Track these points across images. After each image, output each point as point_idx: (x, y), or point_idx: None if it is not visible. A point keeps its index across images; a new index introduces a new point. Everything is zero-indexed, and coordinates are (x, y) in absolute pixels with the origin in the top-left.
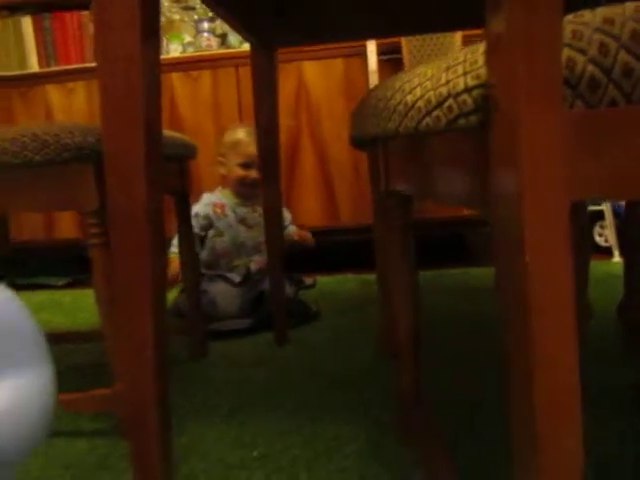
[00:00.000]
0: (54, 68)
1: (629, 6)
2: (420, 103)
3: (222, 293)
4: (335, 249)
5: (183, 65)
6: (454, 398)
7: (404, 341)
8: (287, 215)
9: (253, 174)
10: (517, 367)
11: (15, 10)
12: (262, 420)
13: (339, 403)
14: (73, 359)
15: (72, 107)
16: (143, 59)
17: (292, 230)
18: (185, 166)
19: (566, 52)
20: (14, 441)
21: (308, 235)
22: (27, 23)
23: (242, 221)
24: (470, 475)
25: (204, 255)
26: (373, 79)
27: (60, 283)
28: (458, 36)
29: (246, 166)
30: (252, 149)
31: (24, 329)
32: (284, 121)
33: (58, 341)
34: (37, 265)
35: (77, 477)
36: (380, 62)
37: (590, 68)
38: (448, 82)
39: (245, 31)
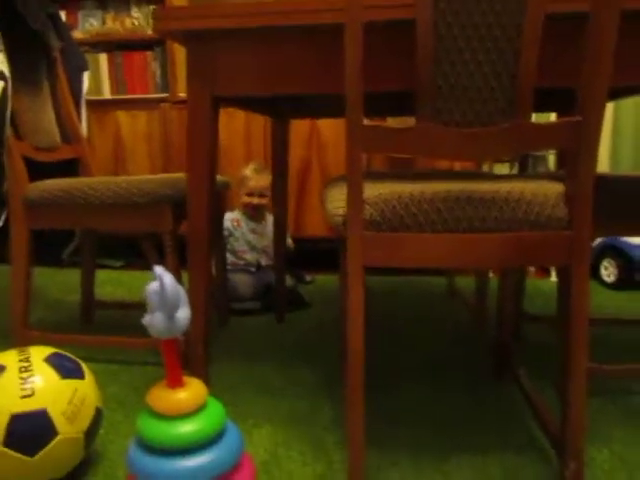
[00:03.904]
0: (123, 96)
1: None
2: None
3: (241, 280)
4: (333, 253)
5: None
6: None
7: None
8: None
9: (255, 201)
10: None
11: (94, 46)
12: (255, 364)
13: (308, 362)
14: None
15: (136, 130)
16: (211, 140)
17: (288, 242)
18: (222, 198)
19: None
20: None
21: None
22: (103, 58)
23: (252, 230)
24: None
25: (227, 254)
26: None
27: (117, 265)
28: None
29: (250, 195)
30: (255, 182)
31: (183, 292)
32: (299, 152)
33: (124, 308)
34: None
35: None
36: None
37: (375, 215)
38: None
39: (267, 114)
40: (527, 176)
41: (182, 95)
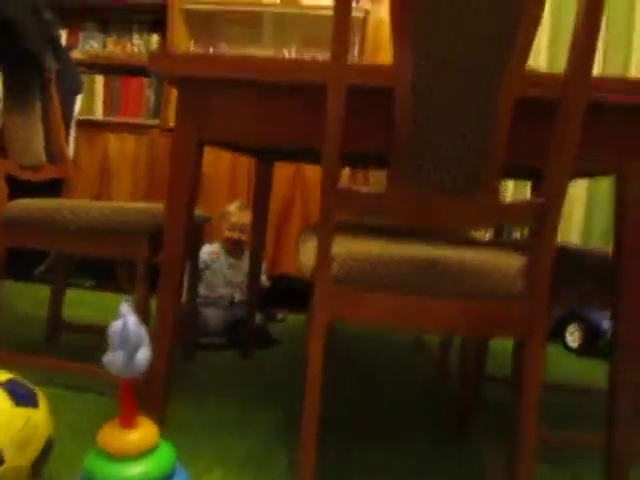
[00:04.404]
0: (114, 119)
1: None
2: None
3: (212, 314)
4: (308, 293)
5: None
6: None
7: None
8: (263, 264)
9: (236, 235)
10: None
11: (91, 67)
12: (216, 403)
13: (271, 401)
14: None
15: (124, 153)
16: (191, 178)
17: (263, 279)
18: (200, 232)
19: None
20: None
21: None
22: (99, 79)
23: (230, 265)
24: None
25: (202, 287)
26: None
27: (87, 284)
28: None
29: (231, 230)
30: (237, 219)
31: (145, 333)
32: (282, 192)
33: (90, 331)
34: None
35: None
36: None
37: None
38: None
39: (252, 156)
40: (494, 243)
41: (172, 124)
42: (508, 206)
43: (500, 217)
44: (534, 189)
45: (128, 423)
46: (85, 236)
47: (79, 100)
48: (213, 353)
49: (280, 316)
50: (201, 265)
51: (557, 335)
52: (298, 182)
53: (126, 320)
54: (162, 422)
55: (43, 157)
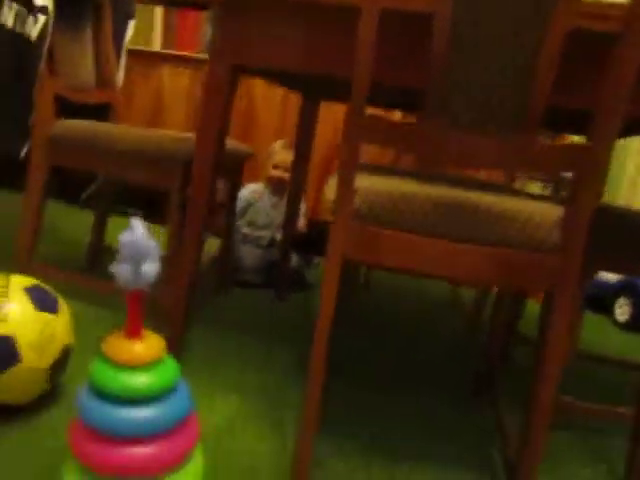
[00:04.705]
0: (171, 51)
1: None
2: None
3: (251, 252)
4: None
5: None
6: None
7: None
8: (302, 206)
9: (279, 173)
10: None
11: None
12: (241, 336)
13: (296, 342)
14: None
15: (178, 87)
16: (224, 106)
17: (300, 222)
18: (241, 164)
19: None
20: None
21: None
22: (158, 11)
23: (273, 205)
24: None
25: (243, 223)
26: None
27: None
28: None
29: (275, 168)
30: (280, 157)
31: (154, 246)
32: (329, 138)
33: None
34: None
35: None
36: None
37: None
38: None
39: (296, 89)
40: (539, 196)
41: None
42: (547, 148)
43: (537, 160)
44: None
45: (133, 334)
46: (122, 161)
47: (131, 26)
48: (248, 291)
49: (316, 261)
50: (244, 203)
51: (607, 308)
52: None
53: (134, 233)
54: (182, 345)
55: (92, 80)
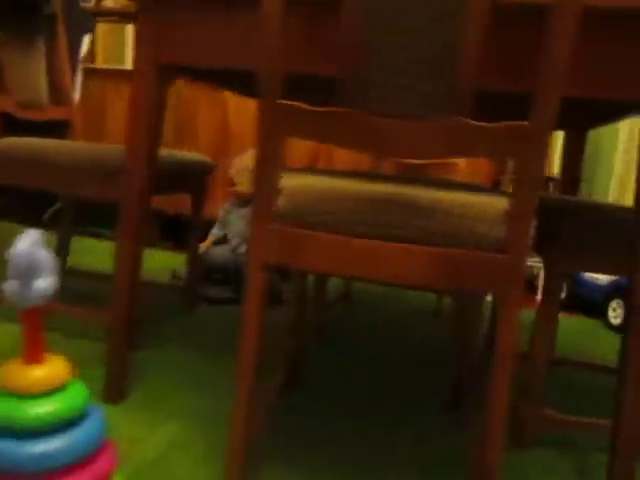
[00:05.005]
0: None
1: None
2: None
3: (219, 251)
4: None
5: None
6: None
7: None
8: None
9: (234, 189)
10: None
11: (123, 17)
12: (204, 357)
13: None
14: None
15: None
16: (152, 112)
17: None
18: (203, 178)
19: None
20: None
21: None
22: (129, 29)
23: (242, 217)
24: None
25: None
26: None
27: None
28: None
29: (232, 183)
30: (237, 171)
31: (48, 259)
32: (308, 145)
33: (92, 278)
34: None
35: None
36: None
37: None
38: None
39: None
40: (481, 189)
41: None
42: (481, 129)
43: (471, 143)
44: None
45: (31, 358)
46: (65, 175)
47: (86, 41)
48: (216, 308)
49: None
50: (222, 212)
51: (600, 311)
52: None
53: (24, 245)
54: (126, 366)
55: (44, 96)
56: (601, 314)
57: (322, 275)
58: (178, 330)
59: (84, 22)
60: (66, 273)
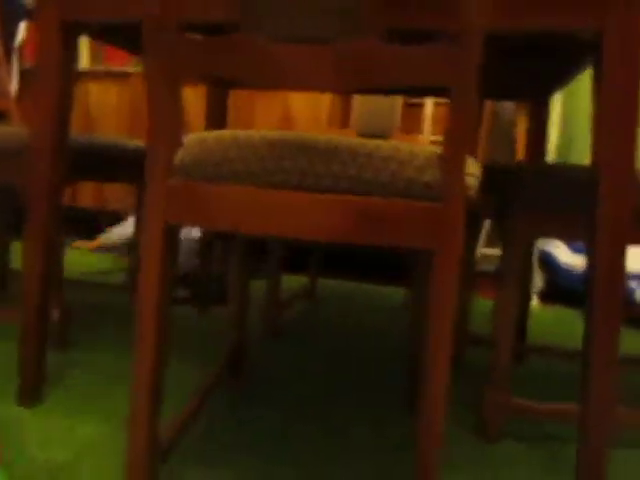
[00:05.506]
0: (98, 68)
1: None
2: None
3: (186, 245)
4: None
5: None
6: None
7: None
8: None
9: None
10: None
11: None
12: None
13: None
14: None
15: (105, 104)
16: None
17: None
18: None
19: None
20: None
21: None
22: None
23: None
24: None
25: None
26: None
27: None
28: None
29: None
30: None
31: None
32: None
33: None
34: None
35: None
36: None
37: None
38: None
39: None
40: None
41: None
42: (405, 52)
43: (394, 68)
44: None
45: None
46: None
47: (22, 28)
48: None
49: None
50: None
51: (581, 300)
52: (281, 127)
53: None
54: (41, 379)
55: None
56: (582, 303)
57: (276, 275)
58: (118, 330)
59: (18, 8)
60: (7, 276)
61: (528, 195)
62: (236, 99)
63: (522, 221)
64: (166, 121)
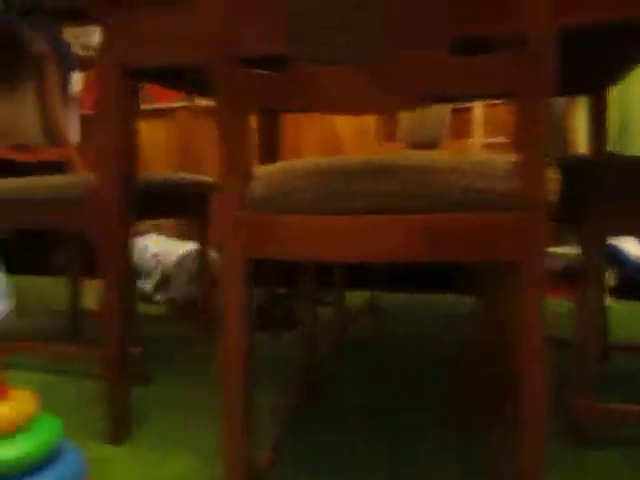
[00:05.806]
0: (145, 107)
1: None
2: None
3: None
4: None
5: None
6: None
7: None
8: None
9: None
10: None
11: None
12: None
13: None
14: None
15: (154, 140)
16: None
17: None
18: (202, 200)
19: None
20: None
21: None
22: None
23: None
24: None
25: None
26: None
27: None
28: None
29: None
30: None
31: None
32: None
33: None
34: None
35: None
36: None
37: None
38: None
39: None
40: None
41: (204, 103)
42: (467, 64)
43: (459, 80)
44: None
45: None
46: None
47: (75, 79)
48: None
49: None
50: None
51: None
52: (329, 144)
53: None
54: (128, 400)
55: (39, 137)
56: None
57: (341, 290)
58: (190, 362)
59: (71, 60)
60: (79, 315)
61: (607, 191)
62: (281, 118)
63: (602, 219)
64: (238, 155)
